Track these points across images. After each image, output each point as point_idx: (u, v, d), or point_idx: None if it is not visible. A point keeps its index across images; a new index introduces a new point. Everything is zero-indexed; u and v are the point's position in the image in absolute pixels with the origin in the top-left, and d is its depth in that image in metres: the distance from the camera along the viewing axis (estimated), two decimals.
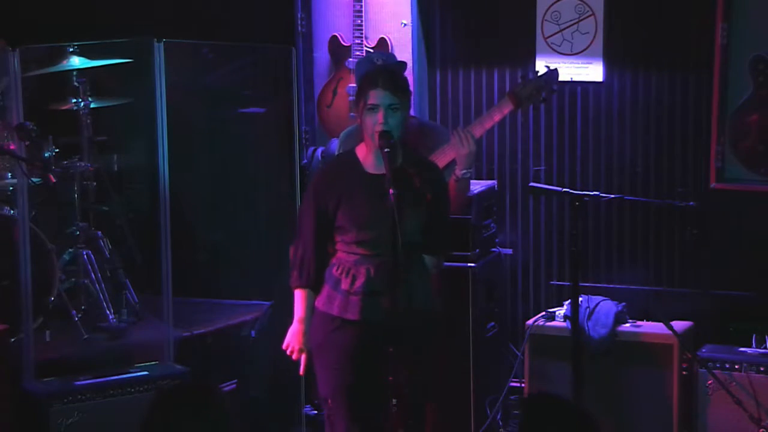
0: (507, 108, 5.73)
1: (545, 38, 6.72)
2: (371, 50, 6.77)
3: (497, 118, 5.77)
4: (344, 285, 5.04)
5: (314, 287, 5.14)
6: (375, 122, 4.95)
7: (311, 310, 5.14)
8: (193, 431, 3.48)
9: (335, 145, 6.25)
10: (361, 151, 5.13)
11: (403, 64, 6.00)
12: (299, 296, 5.18)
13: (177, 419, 3.49)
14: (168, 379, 5.88)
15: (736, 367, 5.98)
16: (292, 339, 5.19)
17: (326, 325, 5.10)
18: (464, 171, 5.63)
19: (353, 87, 5.84)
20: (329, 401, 5.12)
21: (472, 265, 6.28)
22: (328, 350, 5.10)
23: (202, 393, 3.60)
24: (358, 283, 5.02)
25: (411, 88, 5.32)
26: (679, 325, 6.15)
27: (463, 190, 5.77)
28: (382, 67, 5.64)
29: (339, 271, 5.07)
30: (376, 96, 4.96)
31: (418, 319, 5.00)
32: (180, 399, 3.57)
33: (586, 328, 6.16)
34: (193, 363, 6.19)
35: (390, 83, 5.00)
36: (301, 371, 5.23)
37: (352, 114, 6.68)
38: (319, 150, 6.95)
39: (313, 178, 5.31)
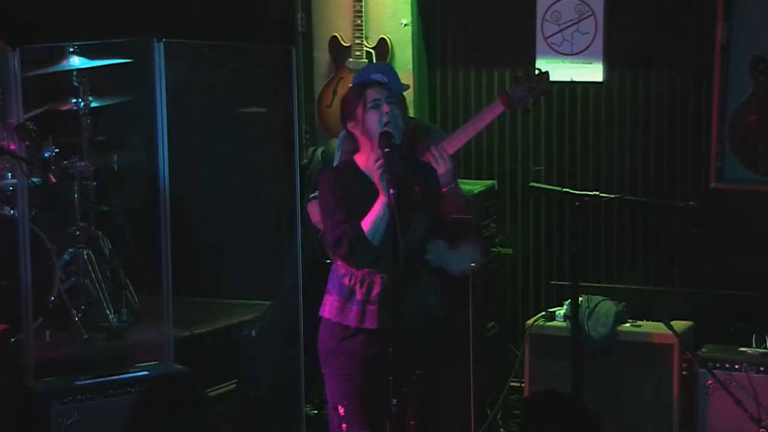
0: (498, 109, 5.67)
1: (545, 38, 6.71)
2: (371, 50, 6.77)
3: (489, 119, 5.70)
4: (359, 295, 4.95)
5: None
6: (381, 115, 4.89)
7: None
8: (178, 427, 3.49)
9: (335, 145, 6.25)
10: (361, 159, 5.00)
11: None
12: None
13: (160, 419, 3.50)
14: (168, 379, 5.87)
15: (736, 367, 5.97)
16: None
17: (338, 334, 5.00)
18: (447, 187, 5.48)
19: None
20: (341, 408, 5.03)
21: (472, 264, 6.27)
22: (339, 357, 5.01)
23: (183, 389, 3.61)
24: (375, 291, 4.93)
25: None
26: (679, 325, 6.15)
27: (453, 198, 5.68)
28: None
29: (351, 281, 4.96)
30: (374, 92, 4.91)
31: (421, 328, 4.98)
32: (161, 397, 3.58)
33: (586, 328, 6.16)
34: (193, 363, 6.19)
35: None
36: None
37: None
38: (319, 150, 6.95)
39: (322, 189, 5.08)
